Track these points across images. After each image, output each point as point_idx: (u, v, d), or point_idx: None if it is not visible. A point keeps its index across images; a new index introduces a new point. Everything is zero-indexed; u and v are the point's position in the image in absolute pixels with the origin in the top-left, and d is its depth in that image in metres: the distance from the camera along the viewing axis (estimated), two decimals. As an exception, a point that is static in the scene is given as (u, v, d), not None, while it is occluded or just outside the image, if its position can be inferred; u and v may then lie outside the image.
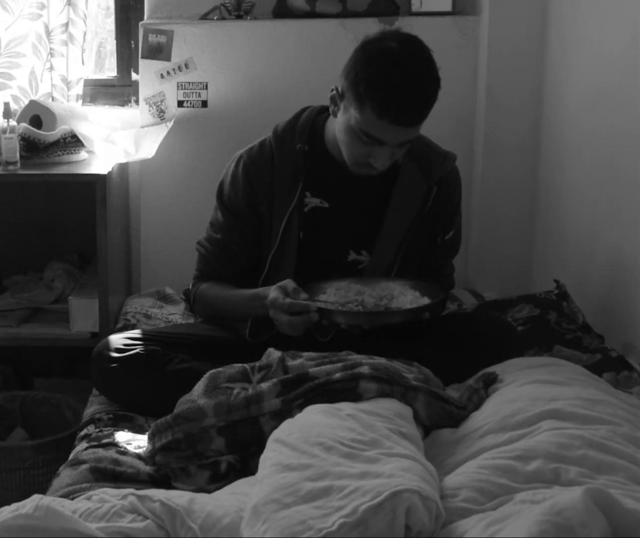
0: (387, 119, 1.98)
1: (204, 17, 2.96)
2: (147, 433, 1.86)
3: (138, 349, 2.11)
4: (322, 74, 2.59)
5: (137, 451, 1.87)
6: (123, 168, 2.93)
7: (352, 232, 2.23)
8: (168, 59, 2.92)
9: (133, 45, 3.07)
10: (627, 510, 1.25)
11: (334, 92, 2.09)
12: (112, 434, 1.97)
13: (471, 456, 1.63)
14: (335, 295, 2.10)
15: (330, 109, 2.13)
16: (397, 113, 1.99)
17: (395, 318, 2.04)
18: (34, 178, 2.75)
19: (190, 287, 2.37)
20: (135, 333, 2.24)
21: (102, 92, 3.14)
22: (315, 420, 1.61)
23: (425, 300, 2.07)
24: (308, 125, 2.22)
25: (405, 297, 2.08)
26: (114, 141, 2.90)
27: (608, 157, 2.44)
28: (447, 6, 2.92)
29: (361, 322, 2.07)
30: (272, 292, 2.05)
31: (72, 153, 2.80)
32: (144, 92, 2.95)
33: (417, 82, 2.00)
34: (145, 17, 3.02)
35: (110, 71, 3.20)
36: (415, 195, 2.21)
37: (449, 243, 2.31)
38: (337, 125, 2.11)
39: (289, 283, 2.05)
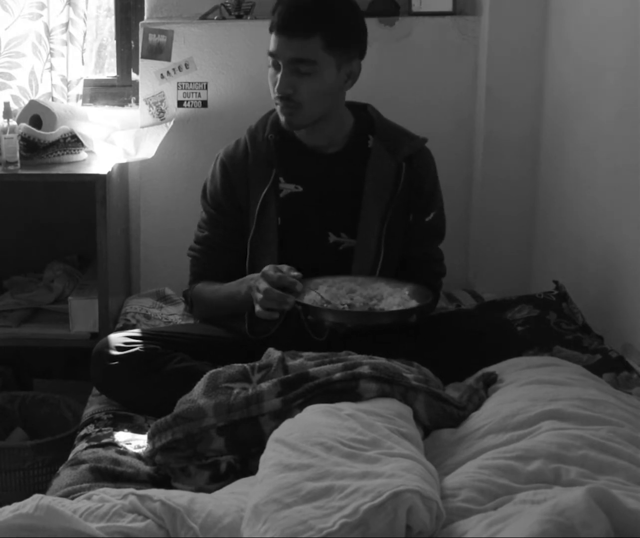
0: (275, 30, 2.15)
1: (204, 17, 2.96)
2: (146, 433, 1.86)
3: (138, 348, 2.12)
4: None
5: (137, 451, 1.87)
6: (123, 168, 2.93)
7: (329, 215, 2.27)
8: (168, 59, 2.92)
9: (133, 45, 3.07)
10: (629, 510, 1.25)
11: None
12: (111, 434, 1.97)
13: (471, 456, 1.63)
14: (327, 292, 2.10)
15: None
16: (279, 22, 2.13)
17: (379, 320, 2.04)
18: (34, 178, 2.75)
19: (187, 291, 2.39)
20: (135, 332, 2.24)
21: (102, 92, 3.13)
22: (315, 420, 1.61)
23: (413, 303, 2.07)
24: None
25: (394, 298, 2.08)
26: (114, 141, 2.90)
27: (608, 158, 2.44)
28: (447, 6, 2.92)
29: (344, 321, 2.07)
30: (266, 268, 2.08)
31: (72, 153, 2.80)
32: (144, 92, 2.95)
33: None
34: (145, 17, 3.02)
35: (110, 71, 3.20)
36: (386, 174, 2.26)
37: (431, 226, 2.33)
38: None
39: (284, 266, 2.09)
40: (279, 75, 2.15)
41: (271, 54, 2.16)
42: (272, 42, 2.15)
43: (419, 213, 2.30)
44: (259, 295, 2.05)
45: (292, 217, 2.26)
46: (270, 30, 2.16)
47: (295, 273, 2.06)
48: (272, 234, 2.23)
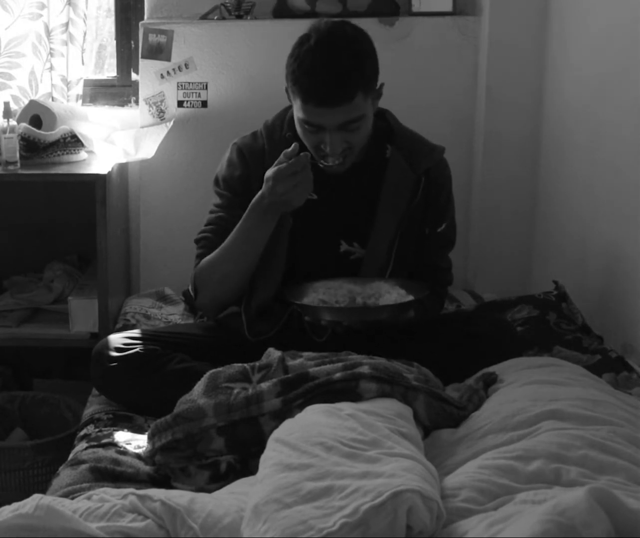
0: (312, 102, 2.04)
1: (204, 17, 2.96)
2: (146, 433, 1.86)
3: (137, 348, 2.11)
4: (322, 74, 2.58)
5: (137, 451, 1.87)
6: (123, 168, 2.93)
7: (343, 224, 2.24)
8: (168, 59, 2.92)
9: (133, 45, 3.07)
10: (630, 510, 1.25)
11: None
12: (111, 434, 1.97)
13: (471, 456, 1.63)
14: (325, 294, 2.10)
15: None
16: (318, 95, 2.04)
17: (375, 315, 2.04)
18: (33, 178, 2.75)
19: (187, 291, 2.36)
20: (135, 332, 2.24)
21: (102, 92, 3.14)
22: (315, 420, 1.61)
23: (410, 298, 2.06)
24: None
25: (391, 295, 2.08)
26: (114, 141, 2.90)
27: (608, 158, 2.44)
28: (447, 6, 2.92)
29: (341, 319, 2.06)
30: (269, 172, 2.06)
31: (72, 153, 2.80)
32: (143, 92, 2.95)
33: (330, 62, 2.04)
34: (145, 17, 3.02)
35: (110, 71, 3.20)
36: (404, 186, 2.22)
37: (442, 236, 2.32)
38: None
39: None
40: (325, 138, 2.08)
41: (311, 124, 2.07)
42: (308, 112, 2.06)
43: (432, 223, 2.28)
44: (276, 183, 2.02)
45: (305, 222, 2.21)
46: (305, 102, 2.04)
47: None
48: (283, 237, 2.18)
